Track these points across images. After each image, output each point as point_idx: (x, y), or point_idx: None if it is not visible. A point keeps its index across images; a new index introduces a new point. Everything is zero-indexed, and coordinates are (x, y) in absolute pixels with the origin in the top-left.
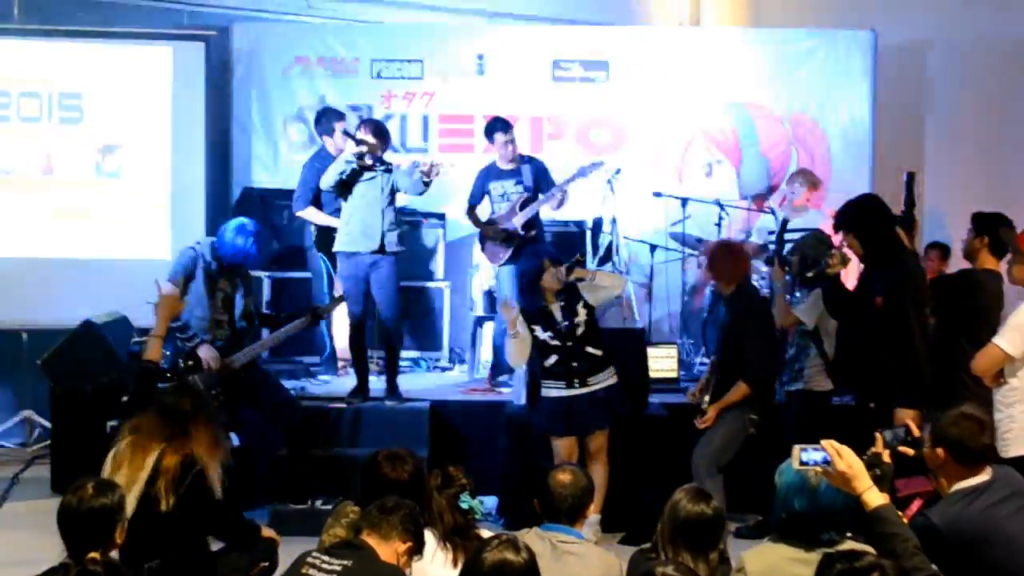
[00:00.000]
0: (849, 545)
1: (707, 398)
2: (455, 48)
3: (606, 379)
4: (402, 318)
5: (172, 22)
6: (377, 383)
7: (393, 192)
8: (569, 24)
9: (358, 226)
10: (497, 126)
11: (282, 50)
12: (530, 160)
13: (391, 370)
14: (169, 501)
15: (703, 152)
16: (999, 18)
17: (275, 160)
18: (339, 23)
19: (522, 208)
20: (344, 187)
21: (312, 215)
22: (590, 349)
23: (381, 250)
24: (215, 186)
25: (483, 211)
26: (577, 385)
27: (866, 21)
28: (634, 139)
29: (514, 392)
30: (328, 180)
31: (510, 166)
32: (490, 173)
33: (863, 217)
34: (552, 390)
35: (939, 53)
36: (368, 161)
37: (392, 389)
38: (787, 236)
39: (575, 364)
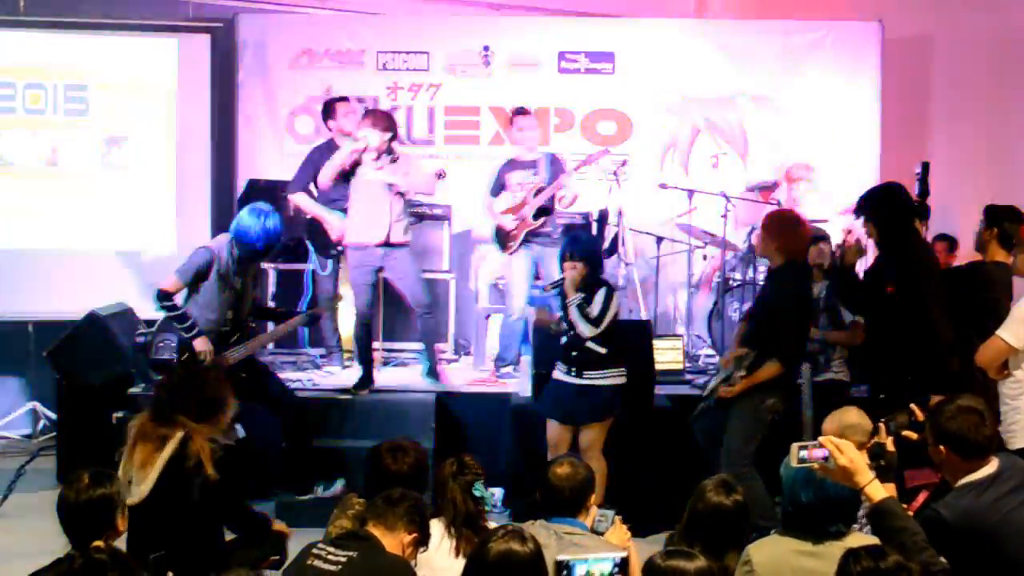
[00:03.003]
0: (856, 537)
1: (741, 374)
2: (461, 40)
3: (606, 378)
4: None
5: (177, 14)
6: (384, 374)
7: (405, 181)
8: (575, 16)
9: (363, 218)
10: (517, 112)
11: (288, 42)
12: (551, 157)
13: (431, 357)
14: (210, 471)
15: (709, 144)
16: (1005, 9)
17: (281, 152)
18: (345, 15)
19: (535, 196)
20: (344, 178)
21: (301, 200)
22: (592, 344)
23: (388, 242)
24: (220, 178)
25: (501, 203)
26: (573, 374)
27: (873, 13)
28: (640, 131)
29: (519, 384)
30: (326, 175)
31: (529, 156)
32: (510, 165)
33: (882, 204)
34: (556, 371)
35: (945, 44)
36: (371, 153)
37: (433, 371)
38: None
39: (575, 353)
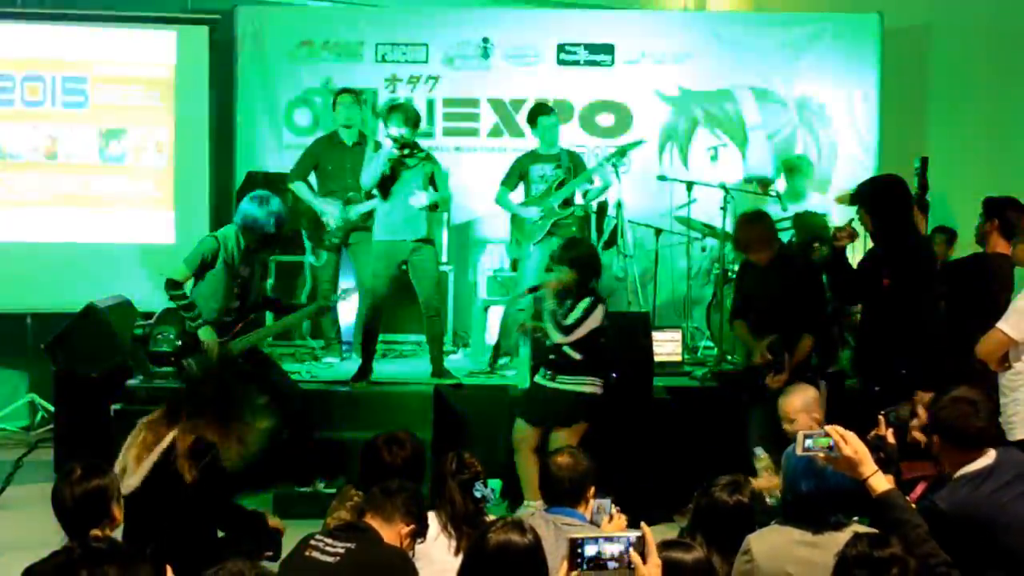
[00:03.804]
0: (855, 529)
1: (788, 355)
2: (460, 32)
3: (577, 385)
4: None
5: (176, 6)
6: (382, 365)
7: (433, 181)
8: (574, 8)
9: (400, 216)
10: (540, 110)
11: (287, 34)
12: (569, 152)
13: (438, 354)
14: (192, 474)
15: (708, 136)
16: (1004, 1)
17: (279, 144)
18: (344, 6)
19: (558, 188)
20: (385, 184)
21: (299, 190)
22: (568, 350)
23: (422, 238)
24: (219, 170)
25: (516, 196)
26: (548, 377)
27: (871, 4)
28: (639, 123)
29: (518, 376)
30: (369, 181)
31: (552, 151)
32: (531, 157)
33: (880, 195)
34: (538, 374)
35: (944, 36)
36: (406, 152)
37: (439, 372)
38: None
39: (551, 356)
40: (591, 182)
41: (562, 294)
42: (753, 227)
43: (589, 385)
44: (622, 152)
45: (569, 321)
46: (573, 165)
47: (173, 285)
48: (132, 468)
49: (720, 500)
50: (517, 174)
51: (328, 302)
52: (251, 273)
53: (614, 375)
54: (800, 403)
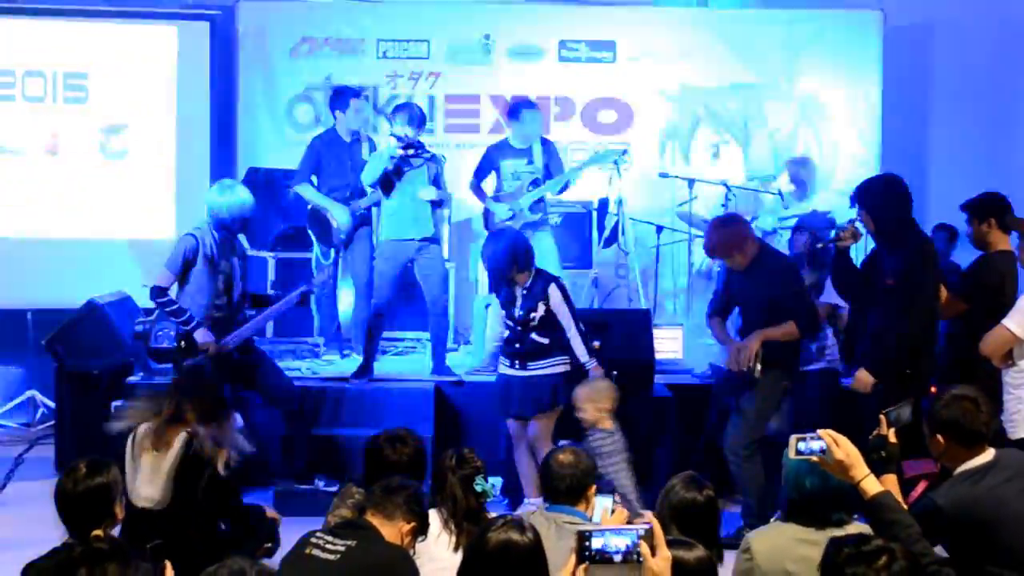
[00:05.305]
0: (856, 527)
1: (759, 366)
2: (461, 28)
3: (548, 366)
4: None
5: (177, 1)
6: (383, 362)
7: (437, 179)
8: (576, 4)
9: (408, 215)
10: (526, 105)
11: (288, 30)
12: (543, 141)
13: (440, 351)
14: (220, 470)
15: (710, 133)
16: None
17: (281, 140)
18: (345, 2)
19: (530, 188)
20: (388, 181)
21: (305, 191)
22: (535, 336)
23: (429, 236)
24: (220, 166)
25: (488, 187)
26: (517, 367)
27: (874, 1)
28: (641, 120)
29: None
30: (371, 176)
31: (523, 145)
32: (502, 151)
33: (879, 194)
34: (501, 366)
35: (946, 33)
36: (411, 151)
37: (440, 368)
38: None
39: (518, 346)
40: (567, 185)
41: (503, 289)
42: (719, 231)
43: (561, 365)
44: (596, 160)
45: (518, 313)
46: (548, 156)
47: (159, 292)
48: (149, 479)
49: (691, 498)
50: (488, 166)
51: (310, 286)
52: (230, 267)
53: (615, 373)
54: (584, 394)
